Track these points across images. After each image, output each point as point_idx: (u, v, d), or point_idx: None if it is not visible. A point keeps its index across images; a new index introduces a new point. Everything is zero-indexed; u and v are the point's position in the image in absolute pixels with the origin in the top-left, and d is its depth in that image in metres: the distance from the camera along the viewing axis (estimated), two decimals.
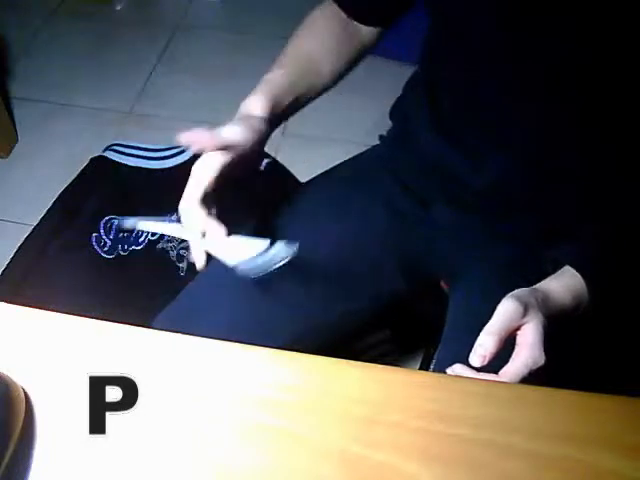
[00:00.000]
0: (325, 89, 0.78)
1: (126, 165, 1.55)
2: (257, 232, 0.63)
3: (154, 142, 1.61)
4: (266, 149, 0.71)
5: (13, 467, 0.44)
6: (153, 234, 1.43)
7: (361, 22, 0.79)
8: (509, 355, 0.59)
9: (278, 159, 1.62)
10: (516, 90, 0.68)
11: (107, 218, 1.43)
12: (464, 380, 0.55)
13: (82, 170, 1.55)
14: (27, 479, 0.45)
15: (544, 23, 0.61)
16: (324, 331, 0.82)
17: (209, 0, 2.21)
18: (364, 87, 1.77)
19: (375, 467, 0.46)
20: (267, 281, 0.78)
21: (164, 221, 0.65)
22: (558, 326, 0.61)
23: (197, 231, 0.61)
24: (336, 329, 0.84)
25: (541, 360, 0.58)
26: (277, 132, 0.72)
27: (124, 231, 1.42)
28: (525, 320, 0.59)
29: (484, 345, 0.56)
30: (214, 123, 0.63)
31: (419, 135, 0.81)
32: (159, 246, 1.41)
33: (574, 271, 0.65)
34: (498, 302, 0.59)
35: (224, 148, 0.62)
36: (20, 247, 1.40)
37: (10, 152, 1.74)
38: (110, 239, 1.41)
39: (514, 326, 0.58)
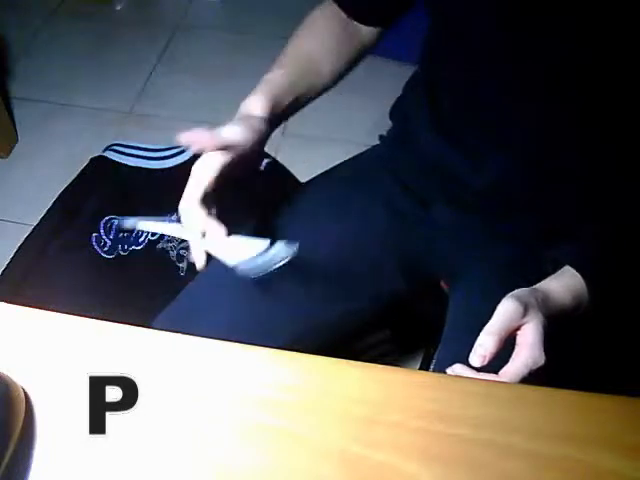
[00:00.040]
0: (325, 89, 0.78)
1: (126, 165, 1.55)
2: (257, 232, 0.63)
3: (154, 142, 1.61)
4: (266, 149, 0.71)
5: (13, 467, 0.44)
6: (153, 234, 1.43)
7: (361, 22, 0.79)
8: (509, 355, 0.59)
9: (278, 159, 1.62)
10: (516, 90, 0.68)
11: (107, 218, 1.43)
12: (464, 380, 0.55)
13: (82, 170, 1.55)
14: (27, 479, 0.45)
15: (544, 23, 0.61)
16: (324, 331, 0.82)
17: (209, 0, 2.21)
18: (364, 87, 1.77)
19: (375, 467, 0.46)
20: (267, 281, 0.78)
21: (164, 221, 0.65)
22: (558, 326, 0.61)
23: (197, 231, 0.61)
24: (336, 329, 0.84)
25: (541, 360, 0.58)
26: (277, 132, 0.72)
27: (124, 231, 1.42)
28: (525, 320, 0.59)
29: (484, 345, 0.56)
30: (214, 123, 0.63)
31: (419, 135, 0.81)
32: (159, 246, 1.41)
33: (574, 271, 0.65)
34: (498, 302, 0.59)
35: (224, 148, 0.62)
36: (20, 247, 1.40)
37: (10, 152, 1.74)
38: (110, 239, 1.41)
39: (514, 326, 0.58)
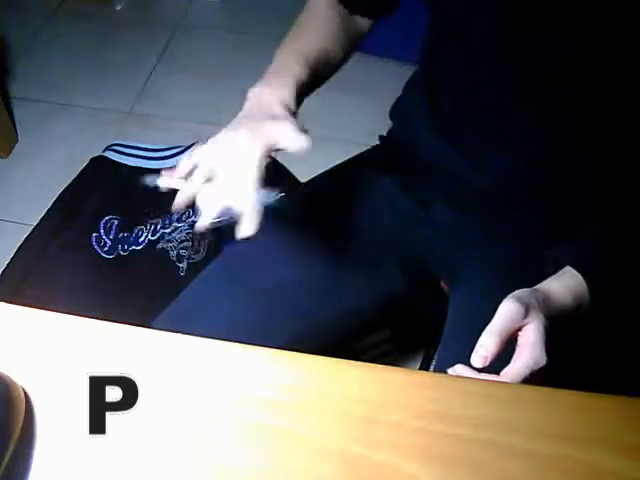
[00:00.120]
0: (338, 66, 0.77)
1: (126, 165, 1.55)
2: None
3: (154, 142, 1.61)
4: None
5: (13, 467, 0.44)
6: (153, 234, 1.43)
7: (351, 12, 0.78)
8: (510, 356, 0.59)
9: (278, 159, 1.62)
10: (516, 90, 0.68)
11: (107, 218, 1.43)
12: (464, 380, 0.55)
13: (82, 170, 1.55)
14: (27, 479, 0.45)
15: (544, 23, 0.61)
16: (324, 331, 0.82)
17: (209, 0, 2.21)
18: (364, 87, 1.77)
19: (375, 467, 0.46)
20: (267, 281, 0.79)
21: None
22: (559, 327, 0.61)
23: (203, 175, 0.60)
24: (336, 329, 0.84)
25: (542, 361, 0.58)
26: None
27: (124, 231, 1.42)
28: (526, 321, 0.59)
29: (485, 346, 0.56)
30: (214, 123, 0.63)
31: (419, 135, 0.81)
32: (159, 246, 1.41)
33: (575, 271, 0.65)
34: (498, 302, 0.59)
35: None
36: (20, 247, 1.40)
37: (10, 152, 1.74)
38: (110, 239, 1.41)
39: (515, 327, 0.58)
